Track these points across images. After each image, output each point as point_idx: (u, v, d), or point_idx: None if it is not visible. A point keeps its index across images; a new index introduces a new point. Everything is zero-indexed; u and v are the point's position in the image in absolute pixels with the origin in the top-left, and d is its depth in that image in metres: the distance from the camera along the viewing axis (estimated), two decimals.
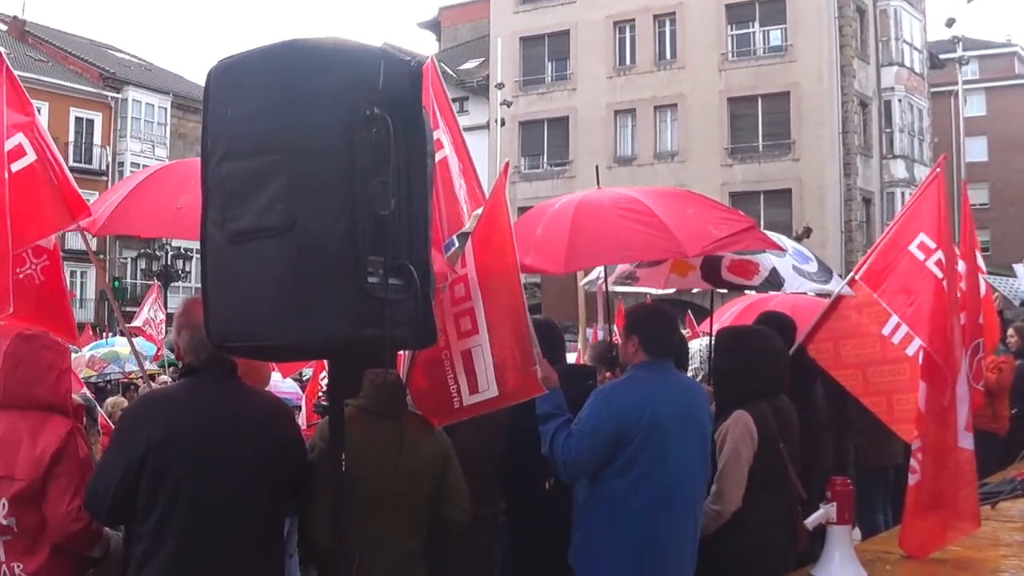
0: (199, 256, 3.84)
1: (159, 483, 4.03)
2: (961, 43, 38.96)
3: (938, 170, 6.44)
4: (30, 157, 5.16)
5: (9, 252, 4.99)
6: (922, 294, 6.18)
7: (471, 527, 5.09)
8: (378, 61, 3.72)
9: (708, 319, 8.85)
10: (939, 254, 6.19)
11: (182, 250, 40.12)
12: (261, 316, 3.55)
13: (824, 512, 5.76)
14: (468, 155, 6.30)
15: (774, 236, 7.16)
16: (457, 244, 5.73)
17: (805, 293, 8.02)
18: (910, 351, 6.79)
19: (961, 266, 8.55)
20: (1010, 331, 12.29)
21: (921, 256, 6.28)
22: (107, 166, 51.57)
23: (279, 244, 3.48)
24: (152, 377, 14.94)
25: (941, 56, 48.30)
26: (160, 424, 4.08)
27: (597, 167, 8.26)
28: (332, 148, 3.50)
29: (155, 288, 20.85)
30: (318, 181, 3.48)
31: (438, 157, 5.66)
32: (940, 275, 6.12)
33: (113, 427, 10.49)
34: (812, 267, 7.46)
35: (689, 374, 7.29)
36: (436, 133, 5.71)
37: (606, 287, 7.54)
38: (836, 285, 7.40)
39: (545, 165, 46.18)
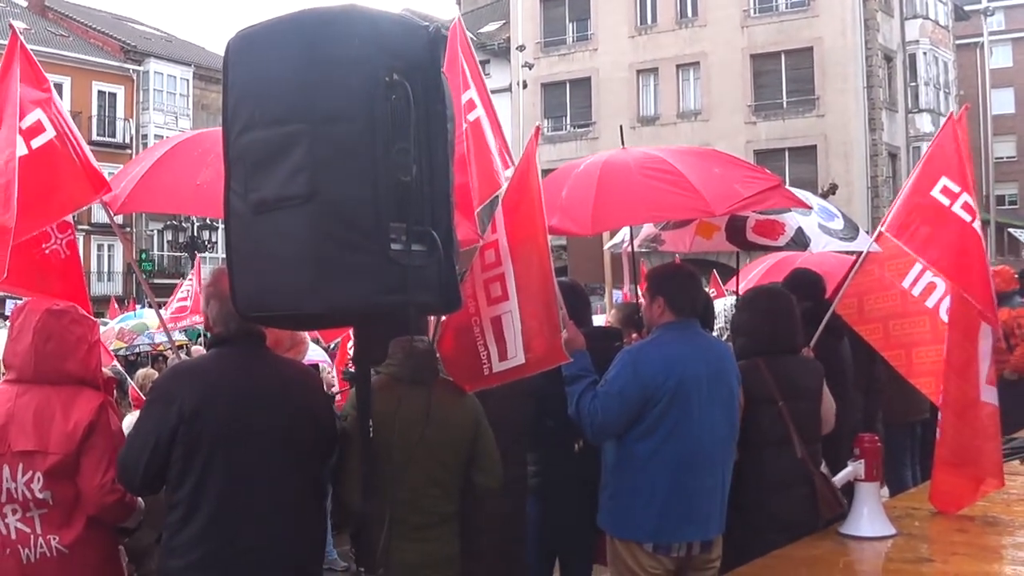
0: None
1: (192, 453, 4.07)
2: None
3: (955, 117, 6.38)
4: (49, 133, 5.14)
5: (11, 224, 4.96)
6: (950, 239, 6.13)
7: (502, 490, 5.12)
8: (396, 28, 3.73)
9: (734, 278, 8.84)
10: (965, 197, 6.12)
11: (209, 221, 40.18)
12: (285, 285, 3.58)
13: (852, 469, 5.76)
14: (496, 116, 6.30)
15: (800, 193, 7.12)
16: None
17: (832, 251, 7.99)
18: (930, 303, 6.75)
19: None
20: None
21: (946, 201, 6.21)
22: (131, 139, 51.71)
23: (302, 213, 3.50)
24: (183, 348, 15.03)
25: (966, 8, 47.85)
26: (191, 395, 4.11)
27: (621, 127, 8.19)
28: (353, 116, 3.52)
29: (197, 263, 20.92)
30: (339, 149, 3.50)
31: (472, 117, 5.65)
32: (968, 218, 6.06)
33: (144, 399, 10.58)
34: (838, 224, 7.42)
35: (714, 333, 7.29)
36: (467, 94, 5.71)
37: (632, 249, 7.52)
38: (863, 242, 7.36)
39: (568, 127, 46.03)
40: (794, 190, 7.06)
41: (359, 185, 3.50)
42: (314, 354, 10.84)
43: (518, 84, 42.66)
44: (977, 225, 5.99)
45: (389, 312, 3.72)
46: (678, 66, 44.08)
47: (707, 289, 14.42)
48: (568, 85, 46.53)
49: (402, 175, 3.55)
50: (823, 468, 5.92)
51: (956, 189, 6.10)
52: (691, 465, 5.14)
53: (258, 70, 3.68)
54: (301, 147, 3.50)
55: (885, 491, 6.64)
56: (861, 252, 7.04)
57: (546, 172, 5.80)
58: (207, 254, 41.78)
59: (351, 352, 12.14)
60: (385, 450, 4.28)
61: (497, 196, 5.52)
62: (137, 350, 20.54)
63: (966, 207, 6.07)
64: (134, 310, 22.97)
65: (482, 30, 51.27)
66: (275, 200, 3.56)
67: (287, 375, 4.47)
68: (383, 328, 4.52)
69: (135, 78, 52.99)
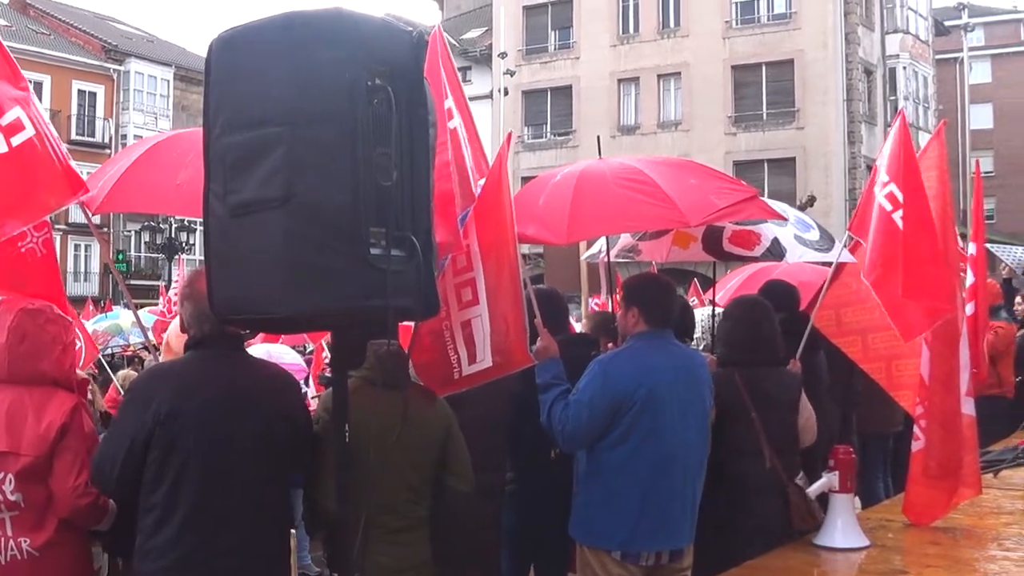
0: (204, 229, 3.84)
1: (167, 456, 4.06)
2: (967, 10, 38.97)
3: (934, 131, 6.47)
4: (29, 131, 5.08)
5: None
6: (883, 242, 6.18)
7: (478, 496, 5.13)
8: (380, 32, 3.72)
9: (711, 288, 8.87)
10: (891, 187, 6.15)
11: (186, 223, 40.13)
12: (264, 288, 3.55)
13: (827, 480, 5.79)
14: (474, 125, 6.31)
15: (776, 205, 7.15)
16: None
17: (807, 262, 8.03)
18: None
19: (972, 248, 8.56)
20: (1018, 299, 12.29)
21: (888, 207, 6.26)
22: (110, 139, 51.54)
23: (281, 216, 3.47)
24: (158, 349, 14.96)
25: (946, 23, 48.11)
26: (167, 397, 4.10)
27: (599, 137, 8.23)
28: (334, 119, 3.50)
29: (181, 264, 20.90)
30: (320, 152, 3.48)
31: (451, 125, 5.66)
32: (889, 207, 6.10)
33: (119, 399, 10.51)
34: (814, 235, 7.46)
35: (693, 343, 7.31)
36: (447, 102, 5.72)
37: (608, 259, 7.54)
38: (838, 253, 7.40)
39: (548, 135, 46.08)
40: (770, 202, 7.10)
41: (339, 189, 3.48)
42: (290, 359, 10.81)
43: (499, 91, 42.67)
44: (898, 216, 5.99)
45: (367, 317, 3.71)
46: (659, 76, 44.18)
47: (688, 299, 14.51)
48: (549, 93, 46.59)
49: (382, 180, 3.54)
50: (800, 479, 5.94)
51: (885, 179, 6.14)
52: (662, 474, 5.16)
53: (240, 71, 3.66)
54: (280, 149, 3.48)
55: (857, 502, 6.65)
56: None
57: (526, 179, 5.83)
58: (184, 256, 41.72)
59: (327, 357, 12.13)
60: (360, 454, 4.28)
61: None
62: (110, 351, 20.44)
63: (890, 196, 6.09)
64: (111, 310, 22.82)
65: (464, 36, 51.30)
66: (254, 202, 3.54)
67: (264, 378, 4.47)
68: (361, 333, 4.51)
69: (115, 78, 52.82)
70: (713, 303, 8.26)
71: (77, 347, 5.89)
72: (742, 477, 5.79)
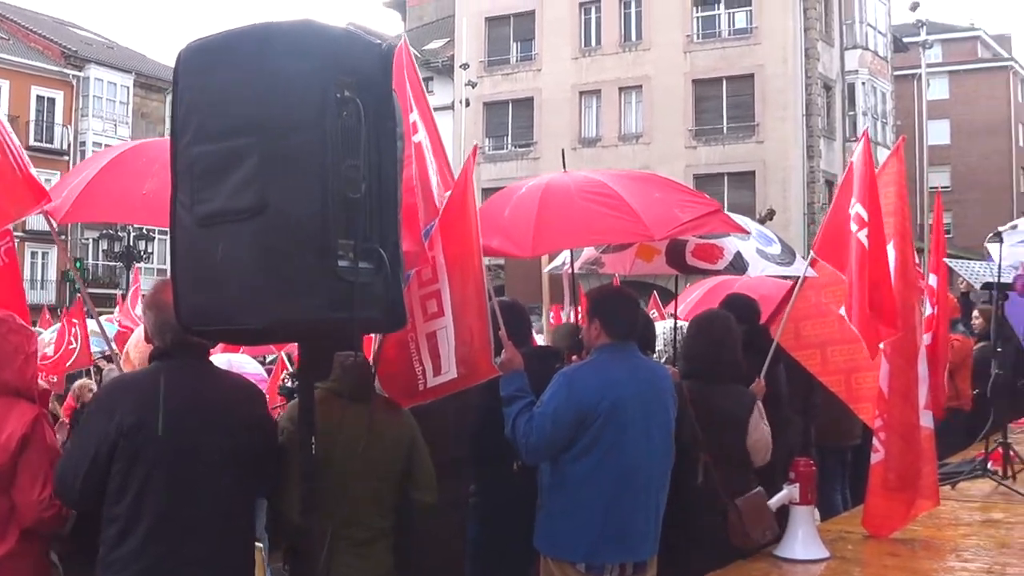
0: (162, 238, 3.84)
1: (131, 467, 4.04)
2: (925, 27, 39.19)
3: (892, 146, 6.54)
4: None
5: None
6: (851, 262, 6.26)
7: (442, 508, 5.13)
8: (349, 44, 3.74)
9: (673, 301, 8.91)
10: (857, 207, 6.22)
11: (145, 231, 39.84)
12: (231, 299, 3.56)
13: (787, 493, 5.85)
14: (439, 138, 6.31)
15: (738, 219, 7.21)
16: None
17: (769, 276, 8.10)
18: None
19: (932, 279, 8.68)
20: (975, 313, 12.42)
21: (854, 227, 6.33)
22: (68, 145, 51.09)
23: (250, 227, 3.49)
24: (112, 360, 14.85)
25: (905, 39, 48.51)
26: (131, 409, 4.08)
27: (563, 151, 8.23)
28: (303, 131, 3.52)
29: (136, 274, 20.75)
30: (289, 164, 3.50)
31: (416, 139, 5.67)
32: (855, 227, 6.18)
33: (78, 407, 10.40)
34: (776, 249, 7.53)
35: (655, 356, 7.34)
36: (412, 116, 5.72)
37: (572, 271, 7.57)
38: (799, 267, 7.47)
39: (509, 146, 46.12)
40: (733, 215, 7.15)
41: (308, 200, 3.49)
42: (252, 368, 10.76)
43: (461, 102, 42.65)
44: (863, 235, 6.06)
45: (335, 328, 3.72)
46: (620, 89, 44.32)
47: (648, 311, 14.54)
48: (511, 105, 46.62)
49: (351, 192, 3.56)
50: (754, 493, 5.94)
51: (865, 216, 6.20)
52: (625, 487, 5.17)
53: (210, 81, 3.67)
54: (250, 160, 3.50)
55: (816, 514, 6.71)
56: (798, 277, 7.14)
57: (487, 191, 5.86)
58: (142, 264, 41.40)
59: (287, 366, 12.09)
60: (325, 466, 4.28)
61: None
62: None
63: (856, 217, 6.15)
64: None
65: (426, 47, 51.27)
66: (222, 213, 3.55)
67: (229, 389, 4.46)
68: (328, 344, 4.52)
69: (75, 84, 52.37)
70: (675, 316, 8.30)
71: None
72: (688, 491, 5.80)
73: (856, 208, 6.16)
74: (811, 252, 6.85)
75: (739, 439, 5.97)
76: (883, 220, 6.17)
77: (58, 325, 17.92)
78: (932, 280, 9.36)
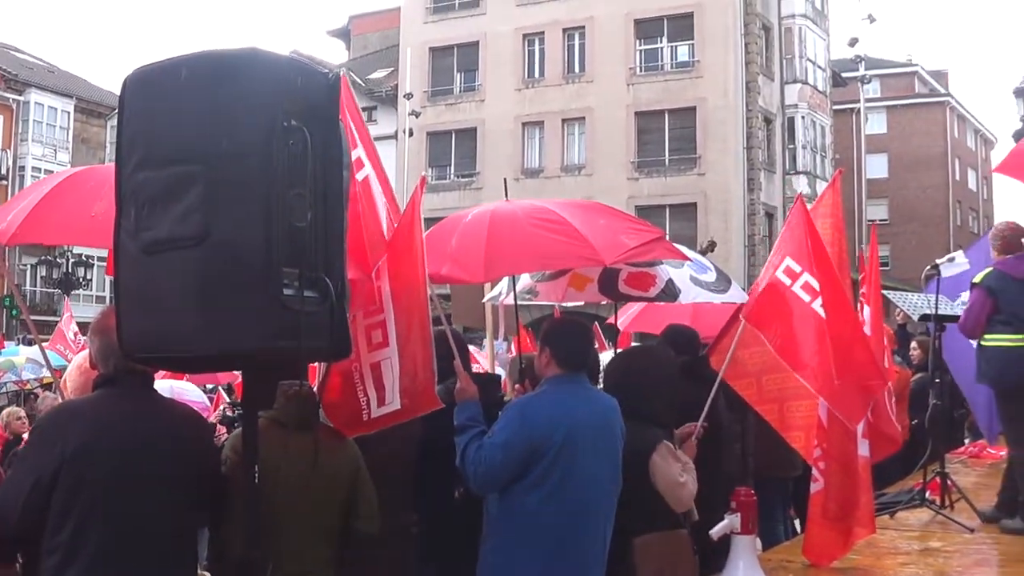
0: (100, 264, 3.81)
1: (73, 496, 3.96)
2: (863, 62, 39.87)
3: (805, 196, 6.64)
4: None
5: None
6: (788, 319, 6.34)
7: (386, 538, 5.11)
8: (296, 73, 3.75)
9: (617, 335, 8.97)
10: (806, 276, 6.32)
11: (84, 258, 39.44)
12: (175, 327, 3.54)
13: (728, 522, 5.86)
14: (384, 174, 6.31)
15: (678, 246, 7.25)
16: None
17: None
18: None
19: (867, 312, 8.83)
20: (913, 344, 12.59)
21: (787, 281, 6.41)
22: (7, 170, 50.40)
23: (194, 255, 3.48)
24: (50, 387, 14.70)
25: (844, 74, 49.21)
26: (73, 437, 4.01)
27: (505, 180, 8.30)
28: (249, 159, 3.51)
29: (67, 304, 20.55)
30: (235, 192, 3.49)
31: (361, 176, 5.65)
32: (807, 298, 6.26)
33: (7, 436, 10.25)
34: (710, 277, 7.58)
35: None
36: (356, 152, 5.70)
37: (515, 299, 7.57)
38: (735, 294, 7.53)
39: (452, 176, 46.15)
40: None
41: (253, 229, 3.49)
42: (194, 395, 10.69)
43: (404, 132, 42.68)
44: (818, 304, 6.16)
45: (279, 357, 3.71)
46: (563, 120, 44.54)
47: None
48: (454, 135, 46.70)
49: (297, 220, 3.56)
50: (659, 534, 5.87)
51: (797, 269, 6.28)
52: (576, 519, 5.13)
53: (155, 108, 3.66)
54: (196, 188, 3.49)
55: (758, 544, 6.76)
56: (735, 303, 7.22)
57: (429, 220, 5.85)
58: (81, 291, 40.96)
59: (224, 395, 12.00)
60: (268, 496, 4.25)
61: None
62: (3, 390, 19.98)
63: (806, 287, 6.25)
64: (2, 347, 22.26)
65: (370, 76, 51.31)
66: (167, 240, 3.53)
67: (174, 418, 4.40)
68: (272, 373, 4.50)
69: (15, 108, 51.68)
70: (615, 346, 8.35)
71: None
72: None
73: (805, 278, 6.23)
74: (741, 317, 6.87)
75: (637, 480, 5.57)
76: (842, 285, 6.25)
77: None
78: (866, 312, 9.48)
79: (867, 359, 6.14)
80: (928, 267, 9.36)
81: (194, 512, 4.35)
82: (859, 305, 9.77)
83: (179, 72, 3.64)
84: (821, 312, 6.18)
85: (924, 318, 9.27)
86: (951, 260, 9.17)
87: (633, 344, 12.65)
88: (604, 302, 8.38)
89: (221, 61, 3.60)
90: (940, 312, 9.03)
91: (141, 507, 4.06)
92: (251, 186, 3.50)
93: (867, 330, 9.45)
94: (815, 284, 6.21)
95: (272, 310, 3.50)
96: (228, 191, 3.48)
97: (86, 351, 4.91)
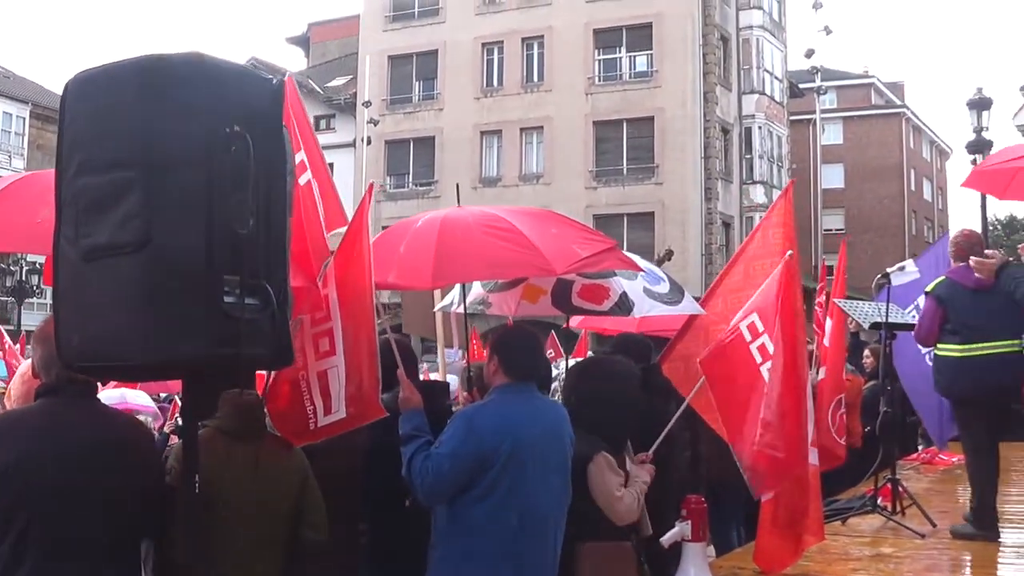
0: None
1: (15, 506, 3.89)
2: (820, 73, 40.15)
3: (788, 255, 6.60)
4: None
5: None
6: (735, 374, 6.36)
7: (335, 547, 5.08)
8: (239, 78, 3.72)
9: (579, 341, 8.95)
10: (764, 338, 6.31)
11: (37, 266, 39.06)
12: (115, 335, 3.49)
13: (679, 530, 5.87)
14: (328, 176, 6.26)
15: (631, 256, 7.24)
16: None
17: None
18: None
19: (829, 323, 8.88)
20: (866, 352, 12.68)
21: (748, 337, 6.41)
22: None
23: (135, 261, 3.43)
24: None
25: (801, 85, 49.65)
26: (11, 448, 3.94)
27: (457, 185, 8.21)
28: (190, 165, 3.48)
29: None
30: (175, 198, 3.45)
31: (303, 180, 5.61)
32: (759, 359, 6.27)
33: None
34: (664, 288, 7.57)
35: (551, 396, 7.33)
36: (299, 155, 5.66)
37: (464, 309, 7.54)
38: (688, 304, 7.53)
39: (411, 184, 46.12)
40: (626, 254, 7.17)
41: (194, 235, 3.45)
42: (142, 401, 10.59)
43: (363, 140, 42.63)
44: (766, 368, 6.16)
45: (220, 365, 3.67)
46: (522, 129, 44.64)
47: (546, 351, 14.59)
48: (412, 143, 46.66)
49: (239, 227, 3.53)
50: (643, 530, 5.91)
51: (760, 329, 6.28)
52: (524, 529, 5.06)
53: (96, 113, 3.61)
54: (136, 194, 3.44)
55: (712, 551, 6.77)
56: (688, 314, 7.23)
57: (387, 228, 5.80)
58: (36, 299, 40.55)
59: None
60: (212, 506, 4.20)
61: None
62: None
63: (762, 348, 6.24)
64: None
65: (329, 84, 51.22)
66: (107, 247, 3.48)
67: (117, 427, 4.34)
68: (214, 381, 4.45)
69: None
70: (568, 357, 8.34)
71: None
72: None
73: (763, 339, 6.24)
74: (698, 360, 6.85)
75: (584, 488, 5.56)
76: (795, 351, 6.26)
77: None
78: (829, 324, 9.56)
79: (795, 434, 6.14)
80: (879, 276, 9.43)
81: (137, 522, 4.28)
82: (819, 312, 9.88)
83: (120, 76, 3.60)
84: (766, 376, 6.19)
85: (875, 326, 9.34)
86: (901, 269, 9.25)
87: (590, 354, 12.69)
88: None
89: (163, 66, 3.55)
90: (891, 320, 9.10)
91: (83, 516, 3.99)
92: (191, 192, 3.46)
93: (827, 341, 9.58)
94: (770, 348, 6.20)
95: (212, 317, 3.46)
96: (168, 197, 3.44)
97: (30, 360, 4.84)
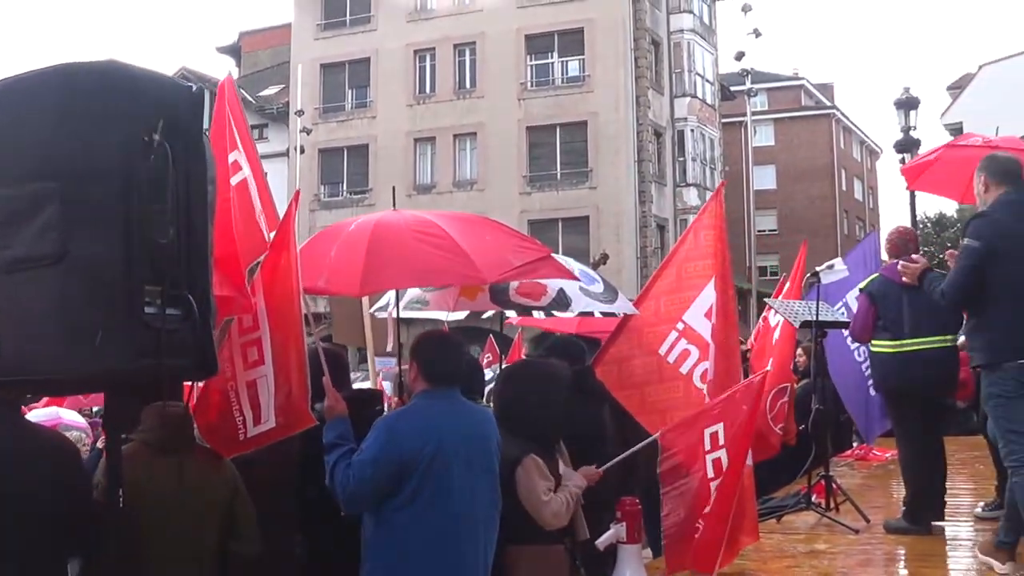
0: None
1: None
2: (750, 76, 40.59)
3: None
4: None
5: None
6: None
7: (269, 560, 5.02)
8: (157, 86, 3.67)
9: (512, 346, 8.96)
10: (722, 452, 6.21)
11: None
12: (34, 348, 3.44)
13: (614, 532, 5.87)
14: (264, 179, 6.20)
15: (561, 259, 7.23)
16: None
17: (592, 313, 8.20)
18: (684, 369, 6.98)
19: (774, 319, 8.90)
20: (799, 351, 12.75)
21: (708, 446, 6.36)
22: None
23: (53, 273, 3.39)
24: None
25: (732, 88, 50.12)
26: None
27: (394, 189, 8.17)
28: (108, 175, 3.44)
29: None
30: (93, 209, 3.41)
31: (237, 179, 5.55)
32: (712, 474, 6.20)
33: None
34: (598, 288, 7.59)
35: (483, 401, 7.32)
36: (234, 155, 5.61)
37: (397, 313, 7.51)
38: (621, 304, 7.56)
39: (345, 193, 45.92)
40: (559, 257, 7.17)
41: (113, 246, 3.41)
42: (68, 416, 10.38)
43: (296, 149, 42.39)
44: (715, 486, 6.12)
45: (141, 377, 3.61)
46: (455, 136, 44.58)
47: (484, 355, 14.60)
48: (346, 151, 46.44)
49: (159, 237, 3.49)
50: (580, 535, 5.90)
51: (721, 441, 6.20)
52: (450, 536, 5.02)
53: (10, 124, 3.55)
54: (53, 204, 3.40)
55: (648, 553, 6.78)
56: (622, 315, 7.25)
57: None
58: None
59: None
60: (137, 520, 4.14)
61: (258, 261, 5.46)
62: None
63: (716, 463, 6.16)
64: None
65: (261, 93, 50.90)
66: (26, 259, 3.44)
67: (40, 443, 4.27)
68: (137, 393, 4.38)
69: None
70: (501, 361, 8.34)
71: None
72: None
73: (720, 454, 6.18)
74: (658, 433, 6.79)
75: (513, 492, 5.48)
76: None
77: None
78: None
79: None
80: (808, 275, 9.51)
81: (60, 540, 4.21)
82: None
83: (34, 85, 3.56)
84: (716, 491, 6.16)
85: (805, 324, 9.41)
86: (830, 267, 9.32)
87: (524, 356, 12.69)
88: (493, 312, 8.37)
89: (76, 73, 3.51)
90: (821, 318, 9.18)
91: (6, 533, 3.93)
92: (109, 202, 3.42)
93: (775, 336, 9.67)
94: (725, 464, 6.10)
95: (132, 328, 3.41)
96: (86, 208, 3.40)
97: None
